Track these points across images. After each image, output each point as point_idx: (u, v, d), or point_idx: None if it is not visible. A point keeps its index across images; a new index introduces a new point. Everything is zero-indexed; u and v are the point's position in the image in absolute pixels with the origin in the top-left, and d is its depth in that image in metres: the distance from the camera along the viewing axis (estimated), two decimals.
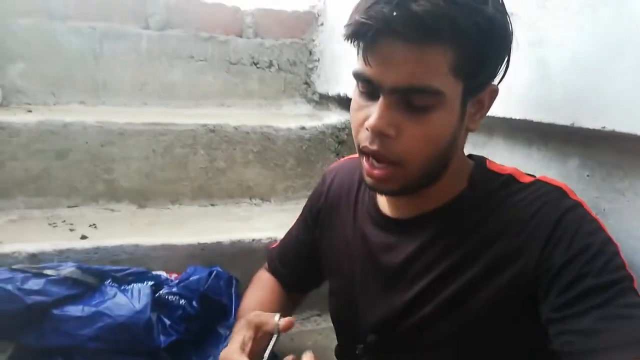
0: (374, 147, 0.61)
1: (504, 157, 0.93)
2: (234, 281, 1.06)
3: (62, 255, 1.03)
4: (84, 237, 1.11)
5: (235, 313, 0.98)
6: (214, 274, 1.03)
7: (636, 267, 0.69)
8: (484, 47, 0.58)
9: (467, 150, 0.83)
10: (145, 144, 1.32)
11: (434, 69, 0.57)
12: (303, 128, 1.45)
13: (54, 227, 1.18)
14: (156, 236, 1.13)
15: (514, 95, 0.83)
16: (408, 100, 0.58)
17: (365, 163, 0.65)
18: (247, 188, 1.43)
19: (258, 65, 1.67)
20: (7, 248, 1.02)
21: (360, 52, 0.60)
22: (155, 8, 1.56)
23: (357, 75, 0.62)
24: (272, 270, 0.98)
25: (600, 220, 0.61)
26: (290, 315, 0.91)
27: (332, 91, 1.58)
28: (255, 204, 1.44)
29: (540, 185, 0.64)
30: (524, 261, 0.60)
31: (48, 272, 0.91)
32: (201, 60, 1.61)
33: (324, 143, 1.47)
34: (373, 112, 0.59)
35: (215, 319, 1.00)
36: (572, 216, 0.60)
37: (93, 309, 0.88)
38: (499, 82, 0.66)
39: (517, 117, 0.83)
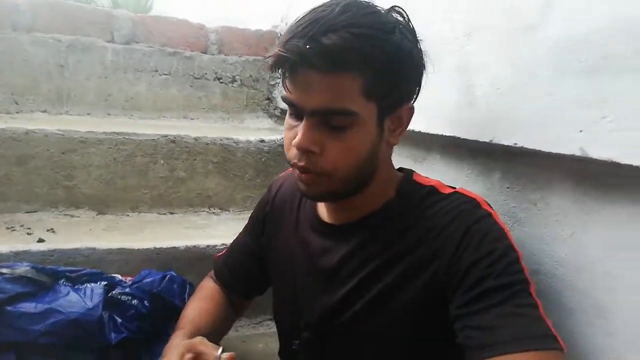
0: (302, 163, 0.69)
1: (440, 170, 1.02)
2: (187, 285, 1.10)
3: (18, 257, 1.05)
4: (40, 241, 1.14)
5: None
6: (167, 277, 1.07)
7: (544, 268, 0.77)
8: (392, 72, 0.66)
9: (408, 164, 0.91)
10: (107, 152, 1.36)
11: (346, 93, 0.65)
12: (262, 141, 1.52)
13: (12, 230, 1.21)
14: (113, 241, 1.17)
15: (445, 114, 0.92)
16: (327, 121, 0.66)
17: (297, 173, 0.72)
18: (207, 197, 1.48)
19: (221, 81, 1.74)
20: None
21: (284, 80, 0.68)
22: (121, 22, 1.62)
23: (284, 100, 0.70)
24: (218, 276, 1.02)
25: (510, 229, 0.69)
26: (230, 327, 0.97)
27: None
28: (213, 213, 1.49)
29: (457, 197, 0.72)
30: (438, 264, 0.68)
31: (2, 270, 0.94)
32: (165, 74, 1.67)
33: (282, 155, 1.53)
34: (299, 131, 0.67)
35: (167, 320, 1.04)
36: (481, 224, 0.67)
37: (46, 306, 0.91)
38: (413, 101, 0.73)
39: (448, 134, 0.92)
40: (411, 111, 0.74)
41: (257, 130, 1.68)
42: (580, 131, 0.66)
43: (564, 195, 0.75)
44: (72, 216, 1.34)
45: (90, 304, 0.94)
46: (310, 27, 0.63)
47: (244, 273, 0.99)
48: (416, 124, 0.90)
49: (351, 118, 0.66)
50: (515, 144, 0.76)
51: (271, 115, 1.82)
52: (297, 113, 0.69)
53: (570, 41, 0.68)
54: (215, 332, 0.91)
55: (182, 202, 1.46)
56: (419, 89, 0.74)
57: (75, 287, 0.98)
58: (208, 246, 1.21)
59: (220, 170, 1.48)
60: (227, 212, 1.51)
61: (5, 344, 0.90)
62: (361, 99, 0.66)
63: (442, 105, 0.92)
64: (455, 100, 0.89)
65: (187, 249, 1.19)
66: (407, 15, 0.70)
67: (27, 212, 1.31)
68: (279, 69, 0.68)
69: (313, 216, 0.83)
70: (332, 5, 0.65)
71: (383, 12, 0.69)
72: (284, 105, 1.76)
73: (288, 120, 0.72)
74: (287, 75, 0.68)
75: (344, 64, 0.63)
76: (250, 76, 1.78)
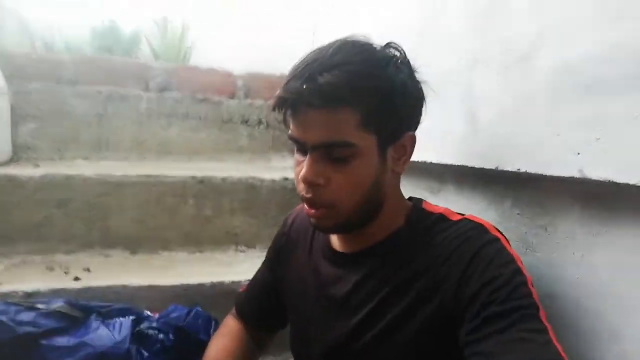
0: (309, 195, 0.72)
1: (454, 200, 1.03)
2: (212, 321, 1.14)
3: (55, 295, 1.12)
4: (76, 279, 1.20)
5: None
6: (193, 312, 1.11)
7: (557, 292, 0.77)
8: (387, 104, 0.69)
9: (425, 196, 0.92)
10: (139, 194, 1.43)
11: (344, 127, 0.68)
12: (286, 179, 1.57)
13: (51, 270, 1.28)
14: (144, 278, 1.22)
15: (454, 144, 0.94)
16: (329, 154, 0.69)
17: (305, 209, 0.75)
18: (234, 235, 1.53)
19: (248, 123, 1.82)
20: (5, 288, 1.12)
21: (286, 119, 0.72)
22: (155, 72, 1.73)
23: (289, 137, 0.74)
24: (239, 312, 1.04)
25: (523, 254, 0.69)
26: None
27: None
28: (240, 251, 1.53)
29: (465, 223, 0.73)
30: (445, 291, 0.68)
31: (39, 306, 1.00)
32: (195, 119, 1.76)
33: None
34: (304, 166, 0.71)
35: (192, 354, 1.07)
36: (488, 249, 0.68)
37: (77, 340, 0.97)
38: (414, 130, 0.76)
39: (457, 164, 0.94)
40: (413, 139, 0.76)
41: (283, 169, 1.74)
42: (578, 153, 0.67)
43: (571, 219, 0.75)
44: (106, 256, 1.41)
45: (118, 338, 0.98)
46: (307, 69, 0.68)
47: (264, 306, 1.01)
48: (427, 155, 0.94)
49: (351, 149, 0.69)
50: (519, 169, 0.77)
51: None
52: (302, 149, 0.73)
53: (562, 69, 0.70)
54: None
55: (209, 240, 1.51)
56: (419, 118, 0.76)
57: (105, 321, 1.03)
58: (233, 282, 1.25)
59: (245, 209, 1.53)
60: (253, 249, 1.55)
61: None
62: (359, 131, 0.69)
63: (450, 134, 0.95)
64: (462, 129, 0.91)
65: (213, 285, 1.23)
66: (403, 50, 0.74)
67: (65, 253, 1.39)
68: (282, 110, 0.73)
69: (325, 245, 0.86)
70: (328, 46, 0.70)
71: (378, 48, 0.73)
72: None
73: (295, 156, 0.76)
74: (289, 114, 0.72)
75: (339, 99, 0.67)
76: (276, 118, 1.85)
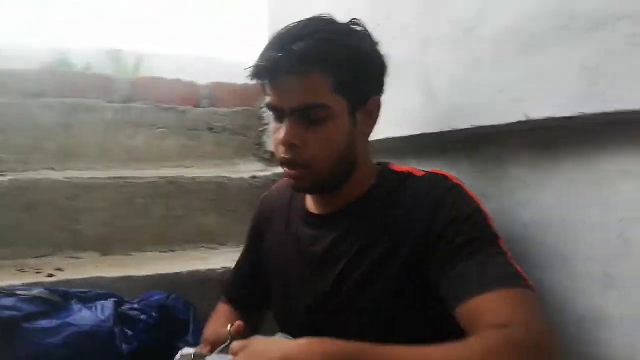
0: (288, 156, 0.79)
1: None
2: (191, 306, 1.16)
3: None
4: (50, 276, 1.20)
5: (193, 333, 1.08)
6: (172, 297, 1.14)
7: (512, 235, 0.86)
8: (355, 70, 0.78)
9: None
10: (109, 196, 1.45)
11: (318, 90, 0.76)
12: (254, 177, 1.63)
13: (22, 272, 1.27)
14: (119, 272, 1.24)
15: (413, 117, 1.03)
16: (306, 117, 0.77)
17: (285, 170, 0.82)
18: (205, 233, 1.56)
19: (213, 130, 1.87)
20: None
21: (264, 87, 0.79)
22: (119, 84, 1.77)
23: (267, 106, 0.81)
24: (229, 298, 1.07)
25: (481, 199, 0.77)
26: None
27: None
28: (212, 248, 1.56)
29: (430, 176, 0.82)
30: (416, 236, 0.76)
31: (19, 292, 1.01)
32: (161, 128, 1.80)
33: None
34: (282, 130, 0.78)
35: (175, 334, 1.09)
36: (451, 194, 0.77)
37: (60, 321, 0.98)
38: (380, 95, 0.84)
39: (418, 133, 1.03)
40: (379, 103, 0.84)
41: (249, 173, 1.79)
42: (522, 100, 0.77)
43: (520, 165, 0.85)
44: (77, 258, 1.41)
45: (102, 317, 1.00)
46: (281, 40, 0.76)
47: (250, 287, 1.04)
48: (390, 131, 1.02)
49: (326, 111, 0.77)
50: (472, 125, 0.87)
51: (261, 159, 1.94)
52: (280, 115, 0.80)
53: (502, 33, 0.81)
54: None
55: (182, 240, 1.54)
56: (383, 85, 0.85)
57: (87, 305, 1.04)
58: (209, 270, 1.28)
59: (216, 208, 1.58)
60: (224, 246, 1.58)
61: (25, 358, 0.95)
62: (332, 94, 0.77)
63: (410, 110, 1.04)
64: (420, 102, 1.01)
65: (189, 274, 1.26)
66: (365, 25, 0.83)
67: (35, 257, 1.38)
68: (260, 79, 0.79)
69: (302, 211, 0.92)
70: (299, 22, 0.78)
71: (343, 23, 0.82)
72: (272, 149, 1.90)
73: (273, 124, 0.83)
74: (267, 83, 0.79)
75: (311, 64, 0.74)
76: (240, 125, 1.92)
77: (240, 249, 1.54)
